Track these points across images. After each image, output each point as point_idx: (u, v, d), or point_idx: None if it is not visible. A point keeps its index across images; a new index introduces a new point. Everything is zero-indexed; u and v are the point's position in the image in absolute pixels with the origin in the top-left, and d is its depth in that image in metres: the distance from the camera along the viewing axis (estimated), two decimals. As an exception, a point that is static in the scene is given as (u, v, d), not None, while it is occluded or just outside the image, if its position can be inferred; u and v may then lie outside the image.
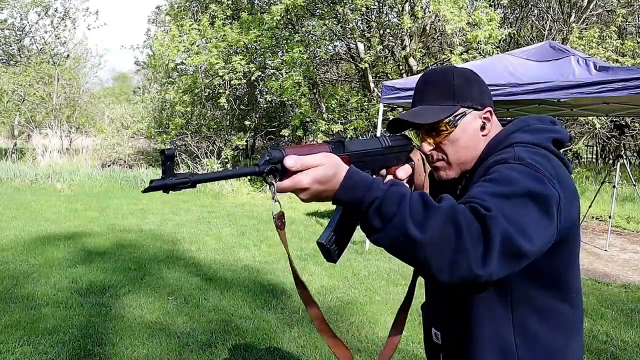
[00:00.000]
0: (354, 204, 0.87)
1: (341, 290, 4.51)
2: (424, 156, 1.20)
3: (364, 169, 0.97)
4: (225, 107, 12.63)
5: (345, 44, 13.97)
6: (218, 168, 11.98)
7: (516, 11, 13.97)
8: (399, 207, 0.83)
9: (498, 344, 1.08)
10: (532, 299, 1.07)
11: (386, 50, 12.50)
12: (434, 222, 0.81)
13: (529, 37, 13.30)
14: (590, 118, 10.09)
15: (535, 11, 13.79)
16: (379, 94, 7.88)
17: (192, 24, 12.40)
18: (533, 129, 1.12)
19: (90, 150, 15.50)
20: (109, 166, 13.89)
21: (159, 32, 14.64)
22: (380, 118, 6.31)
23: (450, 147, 1.14)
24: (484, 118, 1.15)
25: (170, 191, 0.80)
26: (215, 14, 12.17)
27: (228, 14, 12.45)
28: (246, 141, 13.18)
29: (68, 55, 18.74)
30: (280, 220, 0.93)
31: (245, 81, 12.19)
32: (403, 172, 1.15)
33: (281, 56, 11.90)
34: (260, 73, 12.03)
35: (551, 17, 13.03)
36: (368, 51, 12.07)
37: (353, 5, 11.15)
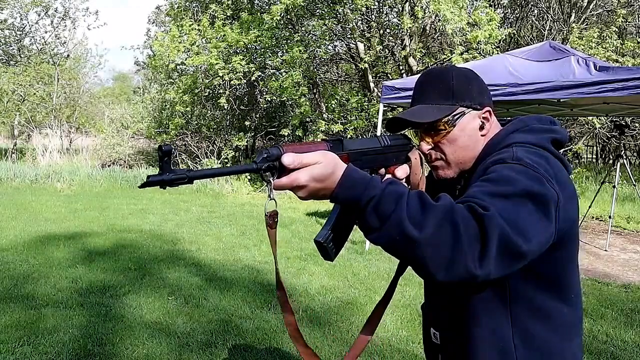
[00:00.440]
0: (352, 202, 0.86)
1: (341, 290, 4.51)
2: (422, 155, 1.20)
3: (363, 168, 0.97)
4: (225, 107, 12.63)
5: (345, 44, 13.97)
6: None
7: (516, 11, 13.97)
8: (396, 206, 0.83)
9: (496, 344, 1.08)
10: (531, 299, 1.07)
11: (386, 50, 12.50)
12: (432, 220, 0.81)
13: (529, 37, 13.30)
14: (590, 118, 10.09)
15: (535, 11, 13.79)
16: (379, 94, 7.88)
17: (192, 24, 12.40)
18: (532, 129, 1.12)
19: (90, 150, 15.51)
20: (109, 166, 13.90)
21: (159, 33, 14.65)
22: (380, 118, 6.31)
23: (449, 146, 1.15)
24: (483, 118, 1.15)
25: (167, 187, 0.79)
26: (215, 14, 12.17)
27: (228, 14, 12.44)
28: (246, 141, 13.17)
29: (68, 55, 18.75)
30: (272, 219, 0.92)
31: (245, 81, 12.19)
32: (402, 171, 1.15)
33: (281, 56, 11.90)
34: (260, 73, 12.03)
35: (551, 17, 13.02)
36: (368, 51, 12.07)
37: (353, 5, 11.15)
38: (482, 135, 1.15)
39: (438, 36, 12.66)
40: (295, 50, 10.97)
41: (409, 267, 1.22)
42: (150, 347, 3.28)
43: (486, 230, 0.81)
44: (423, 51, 11.74)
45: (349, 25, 12.17)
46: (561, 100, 5.31)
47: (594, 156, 16.63)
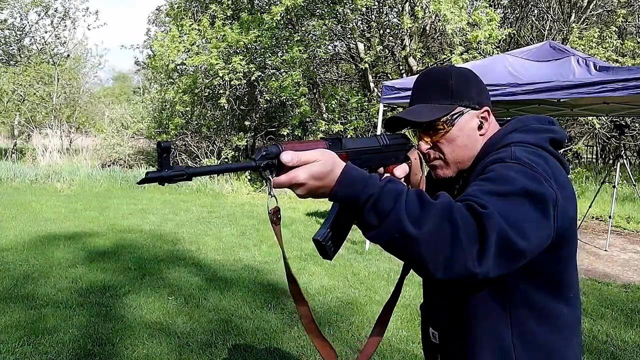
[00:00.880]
0: (350, 200, 0.86)
1: (341, 290, 4.51)
2: (421, 155, 1.21)
3: (361, 166, 0.97)
4: (225, 107, 12.63)
5: (345, 44, 13.97)
6: None
7: (516, 11, 13.97)
8: (395, 204, 0.83)
9: (495, 344, 1.09)
10: (530, 299, 1.07)
11: (386, 50, 12.50)
12: (430, 218, 0.81)
13: (529, 37, 13.30)
14: (590, 118, 10.10)
15: (535, 11, 13.78)
16: (379, 94, 7.88)
17: (192, 24, 12.40)
18: (531, 129, 1.13)
19: (90, 150, 15.51)
20: (109, 166, 13.90)
21: (159, 33, 14.64)
22: (380, 118, 6.30)
23: (448, 145, 1.15)
24: (482, 117, 1.16)
25: (166, 183, 0.80)
26: (215, 14, 12.17)
27: (228, 14, 12.44)
28: (246, 141, 13.17)
29: (68, 55, 18.75)
30: (275, 216, 0.92)
31: (245, 81, 12.19)
32: (400, 170, 1.16)
33: (281, 56, 11.90)
34: (260, 73, 12.03)
35: (551, 17, 13.02)
36: (368, 51, 12.07)
37: (353, 5, 11.15)
38: (480, 135, 1.16)
39: (438, 36, 12.66)
40: (295, 50, 10.97)
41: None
42: (150, 347, 3.28)
43: (485, 229, 0.81)
44: (423, 51, 11.75)
45: (349, 25, 12.17)
46: (561, 100, 5.30)
47: (594, 156, 16.63)
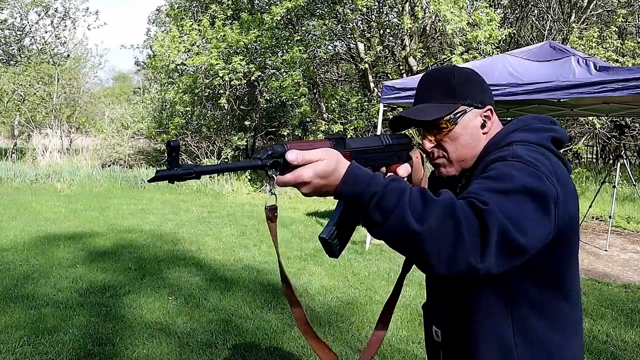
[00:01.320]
0: (355, 198, 0.88)
1: (341, 290, 4.51)
2: (424, 154, 1.22)
3: (365, 166, 0.98)
4: (225, 107, 12.63)
5: (345, 44, 13.97)
6: None
7: (516, 11, 13.97)
8: (398, 201, 0.84)
9: (498, 343, 1.09)
10: (532, 297, 1.08)
11: (386, 50, 12.50)
12: (433, 214, 0.83)
13: (529, 37, 13.30)
14: (590, 118, 10.09)
15: (535, 11, 13.79)
16: (379, 94, 7.88)
17: (192, 24, 12.40)
18: (532, 128, 1.13)
19: (90, 150, 15.51)
20: (109, 166, 13.90)
21: (159, 33, 14.64)
22: (380, 118, 6.30)
23: (451, 144, 1.16)
24: (485, 116, 1.17)
25: (176, 181, 0.81)
26: (216, 15, 12.17)
27: (228, 14, 12.44)
28: (246, 141, 13.17)
29: (68, 55, 18.75)
30: (272, 213, 0.93)
31: (245, 81, 12.19)
32: (403, 170, 1.17)
33: (281, 56, 11.90)
34: (260, 73, 12.02)
35: (551, 17, 13.02)
36: (368, 51, 12.06)
37: (353, 5, 11.15)
38: (483, 134, 1.17)
39: (438, 36, 12.66)
40: (295, 50, 10.97)
41: (414, 267, 1.23)
42: (150, 347, 3.28)
43: (486, 225, 0.82)
44: (423, 51, 11.74)
45: (349, 25, 12.17)
46: (561, 100, 5.31)
47: (594, 156, 16.63)
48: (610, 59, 9.40)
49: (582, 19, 11.82)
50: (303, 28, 12.59)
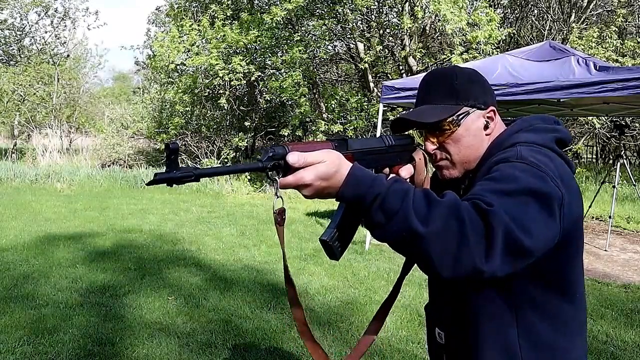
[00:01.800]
0: (358, 200, 0.87)
1: (341, 290, 4.51)
2: (427, 156, 1.21)
3: (367, 167, 0.98)
4: (225, 107, 12.63)
5: (345, 44, 13.96)
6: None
7: (516, 11, 13.97)
8: (402, 202, 0.83)
9: (501, 344, 1.09)
10: (536, 299, 1.07)
11: (386, 50, 12.50)
12: (437, 216, 0.82)
13: (529, 37, 13.30)
14: (590, 118, 10.09)
15: (535, 11, 13.79)
16: (379, 94, 7.88)
17: (192, 24, 12.40)
18: (536, 128, 1.13)
19: (90, 150, 15.50)
20: (109, 166, 13.89)
21: (159, 33, 14.64)
22: (380, 118, 6.30)
23: (454, 146, 1.15)
24: (487, 117, 1.16)
25: (175, 184, 0.80)
26: (215, 15, 12.17)
27: (228, 14, 12.44)
28: (246, 141, 13.17)
29: (68, 55, 18.75)
30: (280, 216, 0.93)
31: (245, 81, 12.19)
32: (406, 171, 1.16)
33: (281, 56, 11.90)
34: (260, 73, 12.02)
35: (551, 17, 13.03)
36: (368, 51, 12.06)
37: (353, 6, 11.14)
38: (486, 135, 1.16)
39: (438, 36, 12.66)
40: (295, 50, 10.97)
41: (413, 268, 1.23)
42: (150, 347, 3.27)
43: (491, 226, 0.82)
44: (423, 51, 11.74)
45: (348, 25, 12.16)
46: (561, 100, 5.30)
47: (594, 156, 16.63)
48: (610, 59, 9.40)
49: (582, 19, 11.82)
50: (303, 28, 12.59)
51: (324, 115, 12.35)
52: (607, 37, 10.16)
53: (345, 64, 15.62)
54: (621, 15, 10.71)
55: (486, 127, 1.16)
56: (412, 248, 0.84)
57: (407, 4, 11.32)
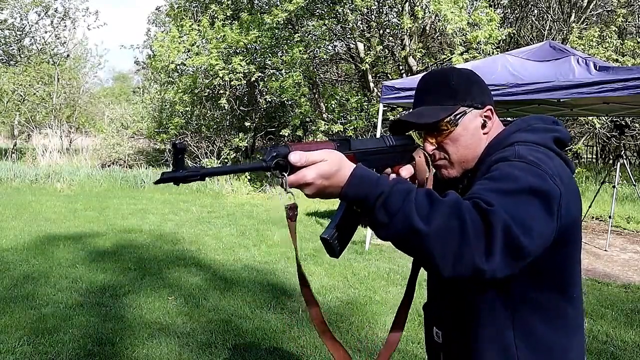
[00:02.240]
0: (361, 199, 0.88)
1: (341, 290, 4.51)
2: (427, 155, 1.21)
3: (369, 167, 0.99)
4: (225, 107, 12.63)
5: (345, 44, 13.96)
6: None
7: (516, 11, 13.97)
8: (404, 202, 0.84)
9: (498, 344, 1.09)
10: (533, 299, 1.07)
11: (386, 50, 12.50)
12: (439, 215, 0.83)
13: (529, 37, 13.30)
14: (590, 118, 10.09)
15: (535, 11, 13.79)
16: (379, 94, 7.88)
17: (192, 24, 12.40)
18: (535, 128, 1.13)
19: (90, 150, 15.51)
20: (109, 166, 13.89)
21: (159, 33, 14.65)
22: (380, 118, 6.31)
23: (452, 146, 1.15)
24: (485, 116, 1.16)
25: (181, 183, 0.82)
26: (215, 15, 12.17)
27: (228, 14, 12.44)
28: (246, 141, 13.18)
29: (68, 55, 18.75)
30: (292, 212, 0.93)
31: (245, 81, 12.19)
32: (406, 171, 1.16)
33: (281, 56, 11.90)
34: (260, 74, 12.03)
35: (551, 17, 13.02)
36: (368, 52, 12.06)
37: (353, 6, 11.14)
38: (484, 134, 1.16)
39: (438, 36, 12.66)
40: (296, 50, 10.97)
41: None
42: (150, 347, 3.27)
43: (491, 225, 0.82)
44: (423, 51, 11.74)
45: (348, 25, 12.16)
46: (561, 100, 5.31)
47: (594, 156, 16.63)
48: (610, 58, 9.40)
49: (582, 19, 11.82)
50: (303, 28, 12.59)
51: (324, 115, 12.35)
52: (607, 37, 10.16)
53: (345, 64, 15.62)
54: (621, 15, 10.71)
55: (484, 126, 1.16)
56: (414, 246, 0.85)
57: (407, 4, 11.32)
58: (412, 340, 3.43)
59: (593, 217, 8.49)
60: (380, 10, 13.02)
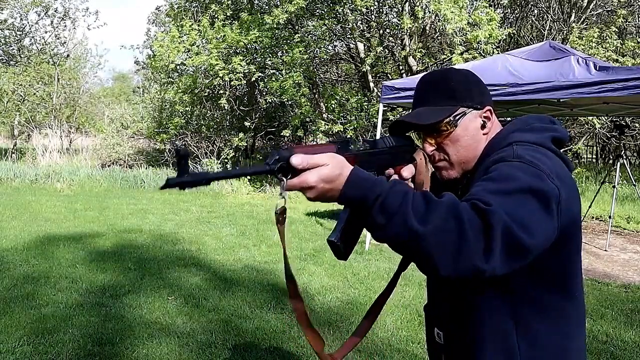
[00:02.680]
0: (359, 201, 0.88)
1: (341, 290, 4.51)
2: (427, 156, 1.21)
3: (370, 168, 0.99)
4: (225, 107, 12.63)
5: (345, 44, 13.96)
6: (218, 168, 12.00)
7: (516, 11, 13.96)
8: (401, 203, 0.84)
9: (500, 344, 1.09)
10: (534, 298, 1.07)
11: (386, 50, 12.50)
12: (436, 216, 0.83)
13: (529, 37, 13.30)
14: (590, 118, 10.09)
15: (535, 11, 13.78)
16: (379, 94, 7.87)
17: (192, 24, 12.39)
18: (533, 128, 1.13)
19: (90, 150, 15.51)
20: (109, 166, 13.90)
21: (159, 33, 14.65)
22: (380, 118, 6.31)
23: (452, 146, 1.15)
24: (484, 117, 1.16)
25: (187, 188, 0.83)
26: (215, 15, 12.16)
27: (228, 14, 12.44)
28: (246, 141, 13.17)
29: (68, 55, 18.74)
30: (281, 216, 0.94)
31: (245, 82, 12.19)
32: (408, 171, 1.17)
33: (281, 56, 11.90)
34: (260, 74, 12.03)
35: (551, 17, 13.02)
36: (368, 53, 12.06)
37: (353, 6, 11.14)
38: (483, 134, 1.16)
39: (438, 36, 12.66)
40: (296, 50, 10.97)
41: (409, 267, 1.23)
42: (150, 347, 3.28)
43: (490, 225, 0.82)
44: (423, 51, 11.74)
45: (348, 25, 12.17)
46: (561, 100, 5.31)
47: (594, 156, 16.63)
48: (610, 59, 9.40)
49: (582, 19, 11.82)
50: (303, 28, 12.59)
51: (324, 115, 12.35)
52: (607, 37, 10.16)
53: (345, 64, 15.62)
54: (621, 15, 10.71)
55: (483, 126, 1.16)
56: (411, 248, 0.85)
57: (407, 4, 11.32)
58: (413, 340, 3.43)
59: (593, 217, 8.49)
60: (380, 10, 13.01)
